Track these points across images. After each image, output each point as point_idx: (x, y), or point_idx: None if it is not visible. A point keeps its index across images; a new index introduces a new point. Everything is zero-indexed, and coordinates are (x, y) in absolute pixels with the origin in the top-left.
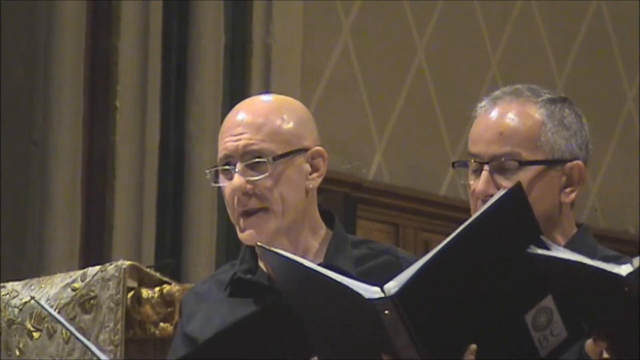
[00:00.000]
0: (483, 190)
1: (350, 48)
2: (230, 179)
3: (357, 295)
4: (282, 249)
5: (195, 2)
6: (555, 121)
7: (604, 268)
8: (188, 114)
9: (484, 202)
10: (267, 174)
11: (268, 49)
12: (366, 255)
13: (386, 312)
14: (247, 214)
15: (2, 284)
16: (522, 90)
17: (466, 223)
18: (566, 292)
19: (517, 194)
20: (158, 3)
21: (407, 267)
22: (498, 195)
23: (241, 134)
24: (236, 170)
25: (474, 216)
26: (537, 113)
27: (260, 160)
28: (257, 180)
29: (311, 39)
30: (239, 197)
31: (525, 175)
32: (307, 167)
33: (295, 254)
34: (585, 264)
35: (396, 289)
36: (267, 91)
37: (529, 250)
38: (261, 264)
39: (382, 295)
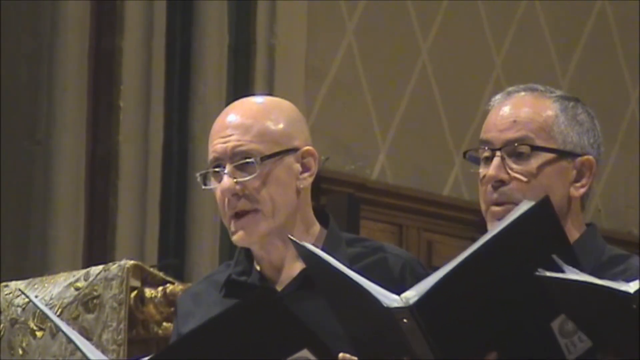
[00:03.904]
0: (494, 175)
1: (354, 49)
2: (220, 181)
3: (376, 300)
4: (274, 249)
5: (199, 3)
6: (569, 116)
7: (612, 286)
8: (191, 114)
9: (494, 187)
10: (255, 174)
11: (272, 50)
12: (360, 254)
13: (404, 320)
14: (237, 215)
15: (5, 284)
16: (536, 86)
17: (490, 234)
18: (577, 311)
19: (544, 207)
20: (162, 3)
21: (401, 264)
22: (524, 207)
23: (230, 135)
24: (225, 171)
25: (499, 227)
26: (551, 106)
27: (249, 160)
28: (245, 180)
29: (315, 40)
30: (229, 199)
31: (536, 162)
32: (298, 166)
33: (286, 254)
34: (593, 284)
35: (415, 298)
36: (269, 92)
37: (538, 274)
38: (256, 266)
39: (401, 304)
